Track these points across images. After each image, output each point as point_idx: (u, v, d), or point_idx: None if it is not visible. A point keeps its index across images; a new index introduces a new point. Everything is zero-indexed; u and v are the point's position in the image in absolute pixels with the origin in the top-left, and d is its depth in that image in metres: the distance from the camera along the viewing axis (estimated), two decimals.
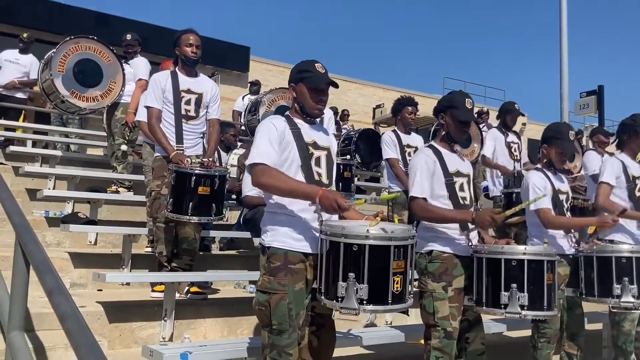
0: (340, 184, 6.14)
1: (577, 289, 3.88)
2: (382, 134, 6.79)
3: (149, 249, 5.26)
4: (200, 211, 4.06)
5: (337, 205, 2.59)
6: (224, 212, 4.27)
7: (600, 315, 4.80)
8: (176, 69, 4.42)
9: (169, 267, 4.41)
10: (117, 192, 6.46)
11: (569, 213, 3.92)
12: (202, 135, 4.49)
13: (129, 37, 6.70)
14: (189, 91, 4.36)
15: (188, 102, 4.35)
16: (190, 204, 4.02)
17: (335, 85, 2.92)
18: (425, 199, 3.18)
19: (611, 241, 4.09)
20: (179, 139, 4.29)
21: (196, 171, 4.01)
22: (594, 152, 6.55)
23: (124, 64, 6.53)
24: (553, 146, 3.84)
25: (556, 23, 15.03)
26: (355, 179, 7.68)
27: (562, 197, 3.85)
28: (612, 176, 4.20)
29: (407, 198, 3.40)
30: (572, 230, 3.92)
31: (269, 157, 2.75)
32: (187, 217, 4.06)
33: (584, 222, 3.75)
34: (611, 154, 5.11)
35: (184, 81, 4.36)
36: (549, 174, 3.85)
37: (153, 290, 4.43)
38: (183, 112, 4.32)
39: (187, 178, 4.01)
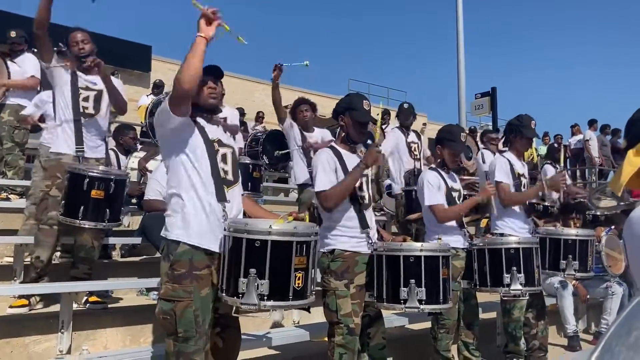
0: (250, 184, 6.14)
1: (471, 281, 4.11)
2: None
3: None
4: (93, 216, 3.86)
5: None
6: (120, 218, 4.10)
7: (494, 304, 5.09)
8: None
9: (44, 278, 4.14)
10: (7, 199, 6.08)
11: None
12: (103, 138, 4.34)
13: (13, 34, 6.25)
14: (87, 88, 4.23)
15: (86, 99, 4.20)
16: (82, 207, 3.80)
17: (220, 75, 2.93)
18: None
19: (501, 234, 4.36)
20: (79, 139, 4.12)
21: (89, 173, 3.83)
22: (488, 151, 7.08)
23: (9, 63, 6.12)
24: (446, 147, 4.05)
25: (453, 28, 15.83)
26: (264, 179, 7.69)
27: (455, 194, 4.07)
28: (504, 174, 4.44)
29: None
30: (466, 226, 4.16)
31: None
32: (78, 221, 3.84)
33: (468, 203, 3.99)
34: (501, 151, 5.45)
35: (82, 78, 4.23)
36: (443, 173, 4.06)
37: (11, 307, 4.02)
38: (81, 109, 4.17)
39: (80, 180, 3.81)
